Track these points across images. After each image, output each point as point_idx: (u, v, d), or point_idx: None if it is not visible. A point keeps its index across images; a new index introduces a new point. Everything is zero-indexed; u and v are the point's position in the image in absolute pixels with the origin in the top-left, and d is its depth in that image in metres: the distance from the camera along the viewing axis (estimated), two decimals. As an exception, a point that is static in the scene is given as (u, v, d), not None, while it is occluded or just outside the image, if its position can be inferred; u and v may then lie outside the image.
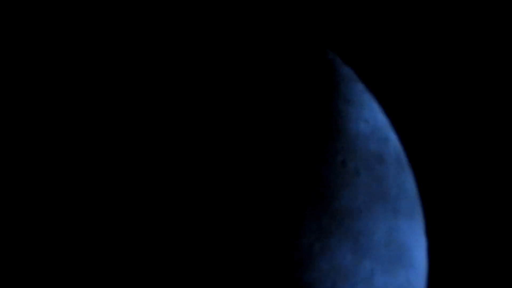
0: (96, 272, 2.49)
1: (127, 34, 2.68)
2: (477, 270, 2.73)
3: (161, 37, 2.73)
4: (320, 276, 2.70)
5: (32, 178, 2.54)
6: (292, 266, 2.67)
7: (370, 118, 2.74)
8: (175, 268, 2.53)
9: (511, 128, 2.61)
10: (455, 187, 2.69)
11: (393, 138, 2.74)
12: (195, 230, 2.58)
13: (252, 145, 2.70)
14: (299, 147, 2.75)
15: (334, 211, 2.76)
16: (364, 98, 2.72)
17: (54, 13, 2.64)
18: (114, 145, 2.56)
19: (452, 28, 2.64)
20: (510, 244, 2.62)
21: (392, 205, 2.77)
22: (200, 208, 2.61)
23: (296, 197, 2.74)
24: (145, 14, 2.71)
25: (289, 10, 2.68)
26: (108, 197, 2.52)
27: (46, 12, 2.64)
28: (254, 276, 2.57)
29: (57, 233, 2.51)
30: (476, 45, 2.64)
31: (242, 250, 2.63)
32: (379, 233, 2.77)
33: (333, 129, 2.75)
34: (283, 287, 2.61)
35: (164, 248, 2.54)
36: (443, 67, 2.66)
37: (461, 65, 2.64)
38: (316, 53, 2.71)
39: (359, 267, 2.76)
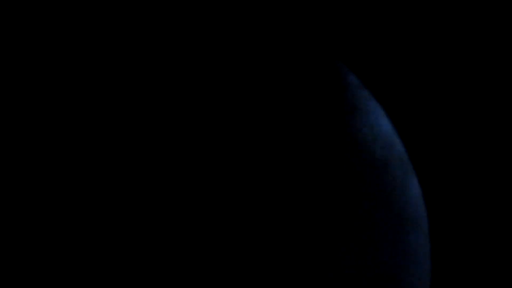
0: (96, 272, 2.47)
1: (129, 34, 2.64)
2: (481, 274, 2.74)
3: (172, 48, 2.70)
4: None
5: (32, 178, 2.51)
6: (300, 277, 2.65)
7: (375, 125, 2.73)
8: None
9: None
10: (460, 192, 2.70)
11: (398, 144, 2.73)
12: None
13: (252, 152, 2.68)
14: (303, 154, 2.73)
15: (339, 220, 2.75)
16: (369, 105, 2.71)
17: (54, 13, 2.61)
18: (114, 145, 2.53)
19: (457, 36, 2.65)
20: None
21: (398, 211, 2.76)
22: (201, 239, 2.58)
23: (299, 208, 2.72)
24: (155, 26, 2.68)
25: (295, 18, 2.66)
26: (108, 197, 2.50)
27: (46, 12, 2.60)
28: None
29: (56, 233, 2.48)
30: (481, 50, 2.65)
31: (245, 269, 2.61)
32: (385, 241, 2.76)
33: (337, 136, 2.73)
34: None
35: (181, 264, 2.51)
36: (449, 74, 2.66)
37: (466, 72, 2.65)
38: (322, 60, 2.70)
39: (365, 276, 2.76)
